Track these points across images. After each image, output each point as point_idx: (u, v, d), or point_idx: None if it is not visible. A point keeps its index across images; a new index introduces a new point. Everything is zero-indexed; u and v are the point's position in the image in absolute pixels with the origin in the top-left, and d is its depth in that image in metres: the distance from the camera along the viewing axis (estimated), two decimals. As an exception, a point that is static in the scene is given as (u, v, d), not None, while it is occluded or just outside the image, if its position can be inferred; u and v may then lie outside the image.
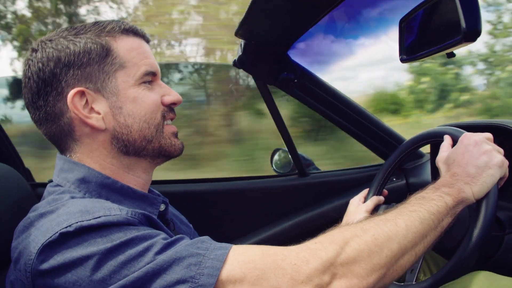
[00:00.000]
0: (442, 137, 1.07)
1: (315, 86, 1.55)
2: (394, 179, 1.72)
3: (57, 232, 0.69)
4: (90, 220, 0.70)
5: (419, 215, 0.82)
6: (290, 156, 1.72)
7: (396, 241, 0.77)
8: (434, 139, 1.15)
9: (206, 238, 0.76)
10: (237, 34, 1.27)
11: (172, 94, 0.94)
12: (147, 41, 0.95)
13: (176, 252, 0.69)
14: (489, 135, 0.99)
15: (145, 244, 0.70)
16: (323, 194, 1.72)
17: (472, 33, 0.73)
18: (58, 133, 0.87)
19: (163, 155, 0.94)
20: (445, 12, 0.84)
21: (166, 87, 0.94)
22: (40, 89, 0.84)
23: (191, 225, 1.19)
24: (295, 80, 1.51)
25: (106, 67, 0.86)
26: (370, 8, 1.49)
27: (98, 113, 0.86)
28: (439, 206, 0.85)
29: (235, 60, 1.47)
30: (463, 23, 0.73)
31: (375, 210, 1.30)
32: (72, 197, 0.81)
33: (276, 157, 1.87)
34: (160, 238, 0.72)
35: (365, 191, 1.37)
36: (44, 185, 0.91)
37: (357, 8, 1.52)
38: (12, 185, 1.11)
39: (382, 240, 0.76)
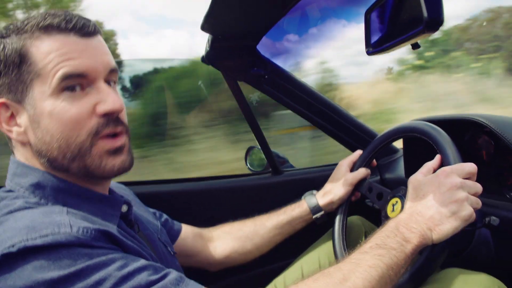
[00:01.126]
0: (435, 142, 1.05)
1: (286, 82, 1.52)
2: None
3: None
4: (35, 239, 0.64)
5: (378, 272, 0.80)
6: (263, 153, 1.69)
7: None
8: (427, 138, 1.10)
9: (171, 282, 0.70)
10: (203, 28, 1.23)
11: (109, 101, 0.78)
12: (85, 34, 0.78)
13: None
14: (472, 168, 0.93)
15: (96, 277, 0.64)
16: (297, 192, 1.69)
17: (434, 22, 0.72)
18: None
19: (91, 176, 0.81)
20: (408, 2, 0.82)
21: (104, 92, 0.79)
22: None
23: (158, 223, 1.15)
24: (266, 76, 1.48)
25: (22, 76, 0.76)
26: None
27: (20, 126, 0.79)
28: (398, 257, 0.84)
29: (203, 56, 1.43)
30: (424, 13, 0.72)
31: (358, 184, 1.33)
32: (26, 202, 0.75)
33: (250, 155, 1.84)
34: (114, 269, 0.66)
35: (355, 155, 1.41)
36: None
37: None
38: None
39: None
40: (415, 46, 0.84)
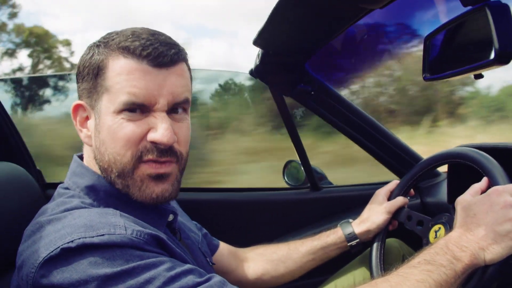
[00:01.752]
0: (480, 166, 1.03)
1: (332, 100, 1.52)
2: (408, 198, 1.68)
3: (58, 247, 0.68)
4: (93, 237, 0.68)
5: (426, 287, 0.79)
6: (302, 169, 1.69)
7: None
8: (472, 163, 1.08)
9: (217, 284, 0.73)
10: (256, 43, 1.25)
11: (159, 132, 0.78)
12: (156, 65, 0.78)
13: None
14: None
15: (147, 275, 0.67)
16: (335, 209, 1.69)
17: (506, 55, 0.70)
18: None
19: (132, 197, 0.82)
20: (475, 32, 0.81)
21: (159, 122, 0.79)
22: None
23: (199, 233, 1.17)
24: (312, 93, 1.48)
25: (97, 86, 0.81)
26: (394, 21, 1.46)
27: (88, 130, 0.86)
28: (448, 275, 0.81)
29: (251, 69, 1.45)
30: (496, 44, 0.70)
31: (396, 212, 1.30)
32: (82, 202, 0.80)
33: (288, 169, 1.84)
34: (163, 269, 0.69)
35: (392, 185, 1.37)
36: (54, 185, 0.91)
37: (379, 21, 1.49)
38: (22, 186, 1.10)
39: None
40: (478, 77, 0.82)
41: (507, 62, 0.71)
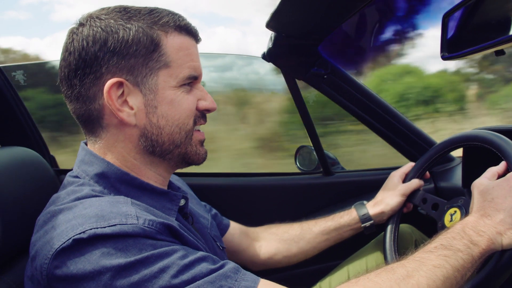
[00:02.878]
0: (483, 143, 1.01)
1: (345, 83, 1.51)
2: (424, 181, 1.66)
3: (70, 238, 0.68)
4: (104, 227, 0.68)
5: (443, 273, 0.78)
6: (315, 154, 1.68)
7: None
8: (489, 146, 1.06)
9: (231, 270, 0.73)
10: (268, 26, 1.24)
11: (209, 101, 0.90)
12: (198, 41, 0.90)
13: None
14: None
15: (160, 264, 0.67)
16: (347, 194, 1.68)
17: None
18: (86, 116, 0.85)
19: (186, 161, 0.91)
20: (495, 8, 0.79)
21: (204, 92, 0.90)
22: (79, 68, 0.81)
23: (208, 216, 1.17)
24: (325, 76, 1.47)
25: (150, 62, 0.82)
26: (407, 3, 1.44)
27: (131, 108, 0.82)
28: (465, 260, 0.81)
29: (264, 52, 1.44)
30: (519, 18, 0.69)
31: (411, 195, 1.29)
32: (92, 190, 0.79)
33: (300, 154, 1.83)
34: (177, 258, 0.69)
35: (408, 167, 1.37)
36: (67, 172, 0.91)
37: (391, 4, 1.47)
38: (37, 170, 1.11)
39: None
40: (499, 53, 0.81)
41: (531, 36, 0.69)
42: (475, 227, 0.85)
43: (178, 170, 0.97)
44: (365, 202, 1.35)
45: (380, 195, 1.33)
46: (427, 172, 1.35)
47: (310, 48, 1.41)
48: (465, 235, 0.84)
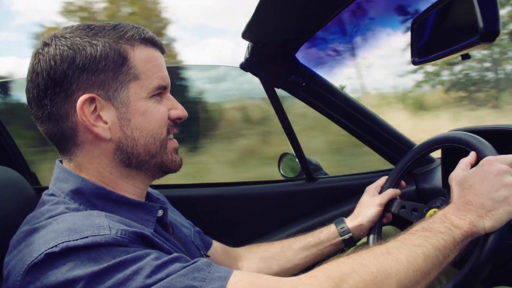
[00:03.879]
0: (466, 146, 1.03)
1: (323, 90, 1.53)
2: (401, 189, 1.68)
3: (42, 252, 0.67)
4: (76, 240, 0.68)
5: (423, 250, 0.79)
6: (297, 160, 1.69)
7: (396, 279, 0.74)
8: (457, 145, 1.09)
9: (203, 264, 0.73)
10: (244, 36, 1.25)
11: (179, 109, 0.92)
12: (163, 52, 0.92)
13: (170, 284, 0.66)
14: None
15: (134, 267, 0.67)
16: (331, 199, 1.69)
17: (491, 33, 0.71)
18: (60, 135, 0.84)
19: (163, 170, 0.92)
20: (460, 13, 0.81)
21: (174, 101, 0.92)
22: (48, 88, 0.80)
23: (191, 226, 1.17)
24: (303, 84, 1.49)
25: (120, 76, 0.82)
26: (379, 8, 1.46)
27: (105, 122, 0.83)
28: (446, 241, 0.82)
29: (242, 62, 1.45)
30: (480, 23, 0.71)
31: (388, 204, 1.29)
32: (67, 208, 0.79)
33: (283, 161, 1.84)
34: (150, 260, 0.69)
35: (382, 180, 1.37)
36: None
37: (365, 9, 1.50)
38: (16, 189, 1.09)
39: (381, 278, 0.73)
40: (465, 57, 0.83)
41: (491, 40, 0.71)
42: (456, 212, 0.86)
43: (158, 182, 0.97)
44: (344, 218, 1.35)
45: (357, 209, 1.33)
46: (403, 181, 1.35)
47: (287, 56, 1.42)
48: (446, 219, 0.85)
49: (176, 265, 0.70)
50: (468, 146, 1.03)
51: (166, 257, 0.71)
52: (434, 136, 1.23)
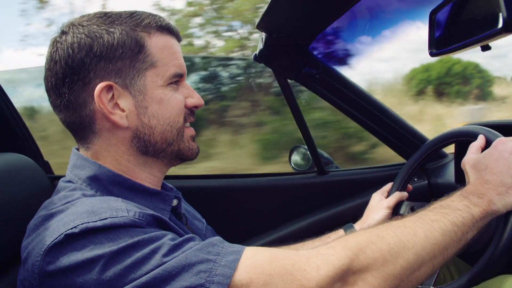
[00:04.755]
0: (472, 137, 1.03)
1: (337, 82, 1.52)
2: (416, 179, 1.68)
3: (62, 233, 0.68)
4: (96, 221, 0.69)
5: (440, 225, 0.78)
6: (309, 153, 1.69)
7: (413, 251, 0.73)
8: (463, 138, 1.10)
9: (217, 240, 0.73)
10: (259, 27, 1.24)
11: (196, 97, 0.91)
12: (179, 40, 0.92)
13: (186, 258, 0.67)
14: None
15: (151, 247, 0.68)
16: (342, 193, 1.69)
17: (515, 22, 0.69)
18: (77, 123, 0.85)
19: (180, 158, 0.92)
20: (480, 2, 0.80)
21: (190, 89, 0.92)
22: (66, 76, 0.81)
23: (204, 220, 1.17)
24: (317, 76, 1.48)
25: (137, 64, 0.83)
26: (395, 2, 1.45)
27: (123, 110, 0.83)
28: (465, 217, 0.81)
29: (255, 54, 1.45)
30: (504, 13, 0.69)
31: (397, 207, 1.27)
32: (84, 195, 0.79)
33: (294, 154, 1.84)
34: (167, 239, 0.70)
35: (388, 186, 1.35)
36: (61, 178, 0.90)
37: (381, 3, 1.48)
38: (31, 177, 1.11)
39: (398, 249, 0.73)
40: (485, 48, 0.82)
41: (515, 30, 0.70)
42: (475, 192, 0.86)
43: (169, 172, 0.97)
44: (352, 223, 1.33)
45: (366, 214, 1.31)
46: (409, 185, 1.34)
47: (301, 48, 1.41)
48: (464, 198, 0.84)
49: (191, 243, 0.71)
50: (474, 136, 1.03)
51: (182, 237, 0.72)
52: (442, 133, 1.22)
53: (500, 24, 0.71)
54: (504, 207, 0.84)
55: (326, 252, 0.70)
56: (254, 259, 0.69)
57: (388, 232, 0.75)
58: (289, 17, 1.20)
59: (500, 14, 0.70)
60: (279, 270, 0.67)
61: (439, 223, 0.78)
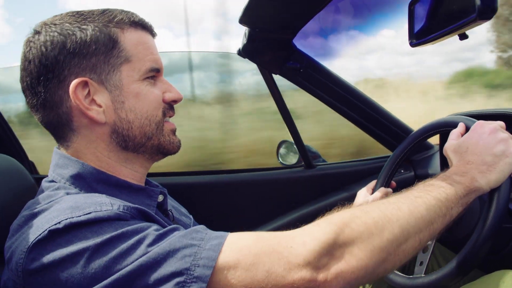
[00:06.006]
0: (452, 126, 1.04)
1: (321, 76, 1.52)
2: (402, 171, 1.69)
3: (46, 229, 0.67)
4: (79, 216, 0.68)
5: (424, 201, 0.79)
6: (296, 147, 1.70)
7: (398, 224, 0.74)
8: (445, 129, 1.11)
9: (201, 227, 0.73)
10: (241, 21, 1.24)
11: (173, 92, 0.92)
12: (154, 35, 0.92)
13: (170, 244, 0.67)
14: (502, 123, 0.95)
15: (136, 237, 0.67)
16: (329, 186, 1.70)
17: (488, 10, 0.70)
18: (55, 122, 0.84)
19: (161, 152, 0.92)
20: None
21: (168, 84, 0.92)
22: (41, 74, 0.80)
23: (191, 216, 1.17)
24: (301, 70, 1.48)
25: (111, 59, 0.82)
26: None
27: (99, 106, 0.83)
28: (448, 194, 0.82)
29: (239, 49, 1.45)
30: (477, 0, 0.70)
31: None
32: (67, 193, 0.79)
33: (282, 149, 1.84)
34: (152, 230, 0.70)
35: (373, 183, 1.37)
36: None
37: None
38: (15, 177, 1.09)
39: (382, 222, 0.73)
40: (462, 37, 0.82)
41: (489, 18, 0.70)
42: (457, 172, 0.88)
43: (154, 169, 0.97)
44: None
45: None
46: (393, 182, 1.35)
47: (285, 41, 1.41)
48: (447, 178, 0.86)
49: (176, 232, 0.71)
50: (455, 125, 1.04)
51: (167, 228, 0.72)
52: (425, 124, 1.23)
53: (475, 12, 0.71)
54: (487, 184, 0.86)
55: (312, 229, 0.71)
56: (239, 241, 0.69)
57: (373, 208, 0.76)
58: (272, 10, 1.20)
59: (475, 2, 0.71)
60: (266, 249, 0.67)
61: (423, 198, 0.80)
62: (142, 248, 0.66)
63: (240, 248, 0.68)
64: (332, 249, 0.69)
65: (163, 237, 0.69)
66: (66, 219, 0.68)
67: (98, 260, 0.65)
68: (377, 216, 0.74)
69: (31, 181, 1.16)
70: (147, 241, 0.67)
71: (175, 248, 0.66)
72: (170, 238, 0.68)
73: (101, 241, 0.66)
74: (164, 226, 0.78)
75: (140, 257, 0.65)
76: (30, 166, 1.61)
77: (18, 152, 1.54)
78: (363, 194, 1.33)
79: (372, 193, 1.32)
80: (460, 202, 0.84)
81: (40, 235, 0.67)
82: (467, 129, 0.99)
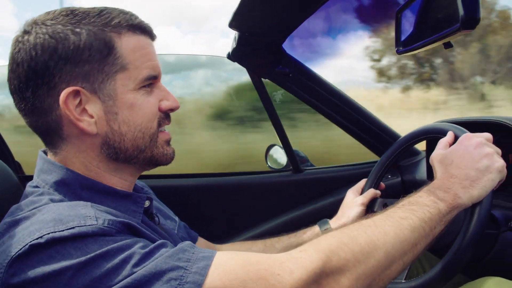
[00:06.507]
0: (441, 134, 1.05)
1: (310, 81, 1.53)
2: (389, 176, 1.70)
3: (27, 244, 0.65)
4: (62, 231, 0.65)
5: (409, 222, 0.79)
6: (284, 152, 1.70)
7: (383, 250, 0.75)
8: (433, 135, 1.12)
9: (187, 246, 0.71)
10: (231, 25, 1.24)
11: (171, 100, 0.87)
12: (153, 39, 0.87)
13: (156, 266, 0.65)
14: (489, 135, 0.95)
15: (121, 256, 0.65)
16: (317, 191, 1.71)
17: (471, 20, 0.71)
18: (44, 128, 0.81)
19: (154, 163, 0.89)
20: (442, 1, 0.82)
21: (165, 91, 0.87)
22: (30, 79, 0.76)
23: (176, 218, 1.16)
24: (290, 74, 1.49)
25: (106, 67, 0.77)
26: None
27: (91, 116, 0.79)
28: (432, 213, 0.82)
29: (229, 53, 1.45)
30: (461, 11, 0.71)
31: (371, 204, 1.30)
32: (51, 200, 0.76)
33: (270, 153, 1.84)
34: (138, 248, 0.68)
35: (362, 182, 1.38)
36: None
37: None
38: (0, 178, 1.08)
39: (369, 249, 0.74)
40: (447, 45, 0.84)
41: (472, 28, 0.72)
42: (441, 186, 0.87)
43: (143, 172, 0.96)
44: (328, 220, 1.34)
45: (341, 211, 1.33)
46: (382, 183, 1.36)
47: (274, 46, 1.42)
48: (431, 193, 0.86)
49: (163, 250, 0.69)
50: (443, 132, 1.05)
51: (153, 245, 0.70)
52: (413, 130, 1.24)
53: (458, 22, 0.73)
54: (469, 200, 0.86)
55: (299, 255, 0.71)
56: (227, 264, 0.68)
57: (359, 232, 0.76)
58: (261, 15, 1.20)
59: (459, 12, 0.72)
60: (253, 276, 0.67)
61: (408, 220, 0.80)
62: (127, 269, 0.64)
63: (227, 272, 0.67)
64: (319, 278, 0.69)
65: (149, 256, 0.67)
66: (49, 233, 0.65)
67: (81, 280, 0.63)
68: (364, 242, 0.74)
69: (16, 182, 1.14)
70: (132, 261, 0.65)
71: (161, 270, 0.65)
72: (157, 259, 0.67)
73: (85, 259, 0.64)
74: (150, 238, 0.77)
75: (125, 278, 0.63)
76: (16, 166, 1.59)
77: (3, 152, 1.52)
78: (352, 195, 1.34)
79: (361, 193, 1.33)
80: (443, 220, 0.84)
81: (21, 249, 0.65)
82: (456, 139, 0.99)
